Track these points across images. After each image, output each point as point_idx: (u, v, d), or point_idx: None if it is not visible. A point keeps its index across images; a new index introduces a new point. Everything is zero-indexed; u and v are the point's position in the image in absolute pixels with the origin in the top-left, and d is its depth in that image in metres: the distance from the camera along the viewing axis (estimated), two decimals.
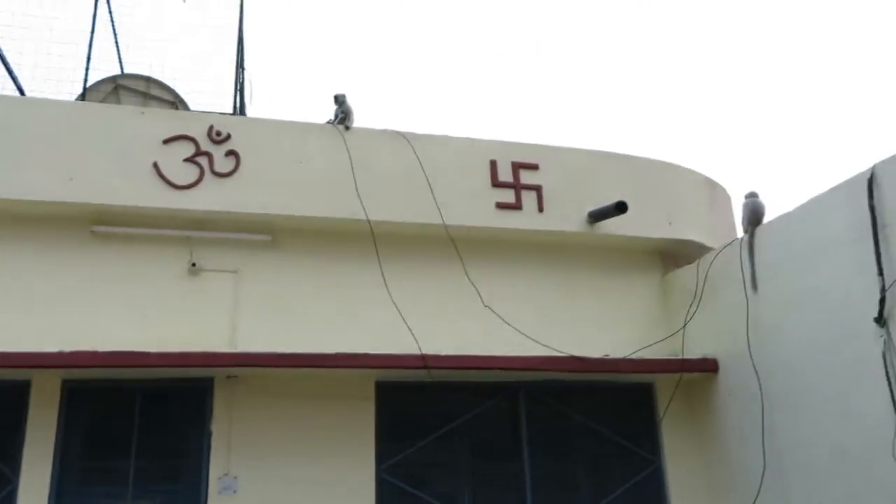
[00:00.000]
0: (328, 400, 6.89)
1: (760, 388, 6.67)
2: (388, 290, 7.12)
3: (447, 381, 7.07)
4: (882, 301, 5.54)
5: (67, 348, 6.08)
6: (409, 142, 7.54)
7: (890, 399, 5.44)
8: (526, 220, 7.68)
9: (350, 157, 7.28)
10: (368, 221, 7.13)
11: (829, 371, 6.05)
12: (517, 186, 7.75)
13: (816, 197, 6.34)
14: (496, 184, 7.70)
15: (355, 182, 7.19)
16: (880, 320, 5.56)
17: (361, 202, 7.13)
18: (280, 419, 6.76)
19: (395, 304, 7.06)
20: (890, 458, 5.39)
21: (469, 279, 7.36)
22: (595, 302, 7.94)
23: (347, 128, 7.52)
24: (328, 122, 7.60)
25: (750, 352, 6.79)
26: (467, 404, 7.33)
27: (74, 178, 6.68)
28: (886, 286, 5.53)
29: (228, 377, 6.70)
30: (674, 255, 8.38)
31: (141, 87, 9.11)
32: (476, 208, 7.56)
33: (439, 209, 7.33)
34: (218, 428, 6.63)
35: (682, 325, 7.67)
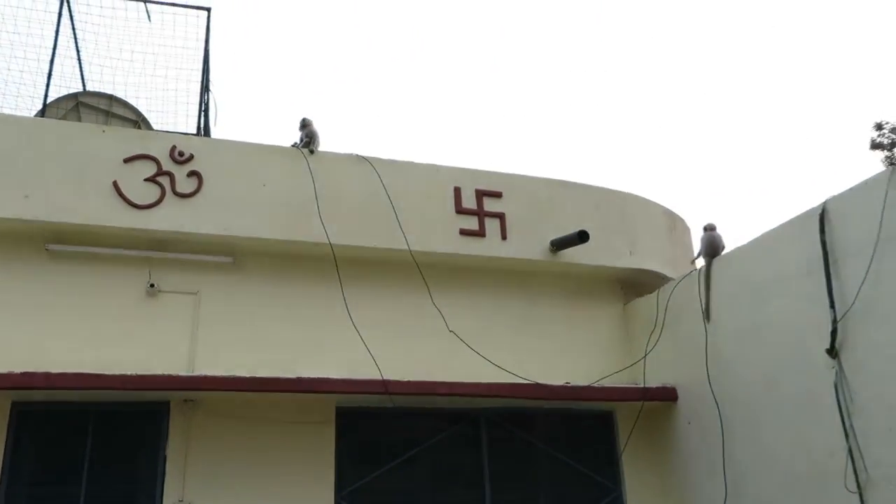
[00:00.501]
0: (288, 425, 6.78)
1: (720, 417, 6.77)
2: (349, 314, 7.08)
3: (409, 406, 7.02)
4: (833, 332, 5.70)
5: (18, 369, 5.90)
6: (373, 167, 7.56)
7: (842, 429, 5.57)
8: (489, 247, 7.73)
9: (314, 181, 7.26)
10: (330, 245, 7.10)
11: (783, 401, 6.18)
12: (481, 214, 7.81)
13: (770, 231, 6.53)
14: (460, 210, 7.76)
15: (318, 206, 7.17)
16: (832, 351, 5.71)
17: (324, 226, 7.10)
18: (238, 444, 6.64)
19: (356, 328, 7.02)
20: (842, 487, 5.50)
21: (434, 304, 7.37)
22: (557, 329, 8.01)
23: (312, 151, 7.51)
24: (293, 146, 7.58)
25: (709, 381, 6.90)
26: (429, 430, 7.29)
27: (30, 196, 6.53)
28: (838, 318, 5.68)
29: (186, 401, 6.57)
30: (634, 285, 8.51)
31: (103, 104, 8.99)
32: (440, 234, 7.59)
33: (404, 235, 7.35)
34: (173, 453, 6.48)
35: (643, 353, 7.77)
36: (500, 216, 7.86)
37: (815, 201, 6.14)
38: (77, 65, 9.46)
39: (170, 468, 6.44)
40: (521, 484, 7.48)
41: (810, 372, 5.91)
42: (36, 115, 8.27)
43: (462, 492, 7.30)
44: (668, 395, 7.45)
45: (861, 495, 5.39)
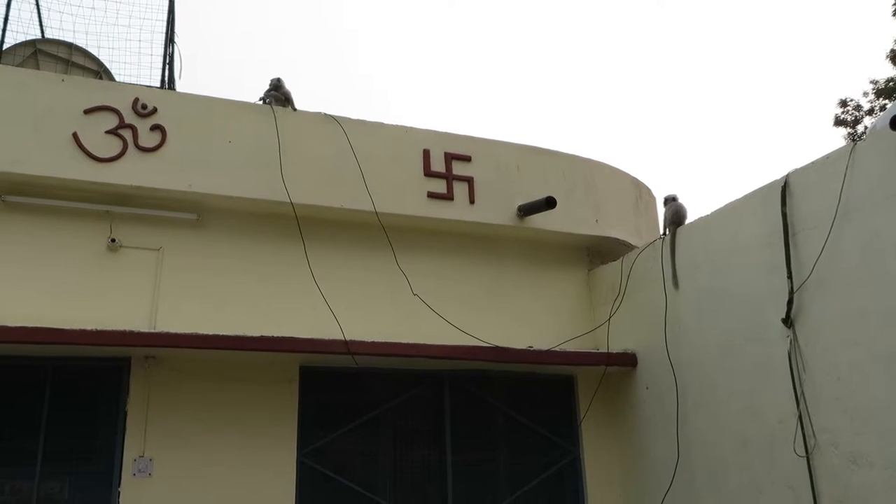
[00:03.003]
0: (250, 384, 6.78)
1: (676, 383, 6.94)
2: (312, 274, 7.04)
3: (372, 368, 7.06)
4: (790, 303, 5.84)
5: None
6: (341, 126, 7.47)
7: (793, 396, 5.75)
8: (457, 211, 7.73)
9: (279, 139, 7.15)
10: (292, 205, 7.01)
11: (737, 368, 6.34)
12: (449, 177, 7.79)
13: (733, 202, 6.63)
14: (428, 173, 7.72)
15: (281, 164, 7.06)
16: (787, 321, 5.86)
17: (285, 185, 6.99)
18: (200, 401, 6.61)
19: (319, 288, 6.99)
20: (791, 451, 5.70)
21: (399, 267, 7.36)
22: (521, 294, 8.08)
23: (295, 109, 7.43)
24: (263, 101, 7.45)
25: (667, 348, 7.04)
26: (392, 392, 7.35)
27: None
28: (794, 289, 5.83)
29: (147, 357, 6.50)
30: (599, 252, 8.61)
31: (62, 53, 8.70)
32: (407, 197, 7.56)
33: (370, 196, 7.30)
34: (134, 409, 6.43)
35: (605, 319, 7.89)
36: (469, 180, 7.85)
37: (778, 174, 6.25)
38: (35, 10, 9.12)
39: (130, 424, 6.39)
40: (481, 446, 7.61)
41: (766, 340, 6.07)
42: None
43: (423, 452, 7.39)
44: (627, 361, 7.60)
45: (808, 459, 5.60)
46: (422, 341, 6.93)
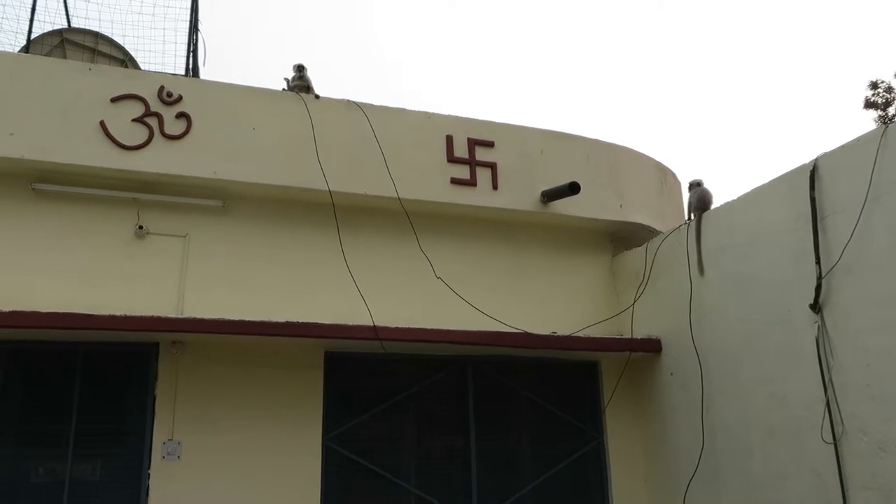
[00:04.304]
0: (276, 369, 6.85)
1: (700, 370, 6.89)
2: (345, 259, 7.08)
3: (396, 353, 7.10)
4: (818, 288, 5.76)
5: (6, 308, 5.89)
6: (364, 113, 7.47)
7: (821, 382, 5.69)
8: (480, 196, 7.71)
9: (312, 125, 7.19)
10: (329, 192, 7.06)
11: (764, 354, 6.28)
12: (472, 163, 7.77)
13: (760, 186, 6.54)
14: (451, 159, 7.71)
15: (317, 150, 7.11)
16: (815, 307, 5.79)
17: (323, 171, 7.05)
18: (226, 387, 6.70)
19: (351, 274, 7.02)
20: (818, 438, 5.65)
21: (423, 252, 7.38)
22: (545, 280, 8.07)
23: (317, 96, 7.43)
24: (289, 89, 7.48)
25: (692, 333, 7.00)
26: (415, 377, 7.39)
27: (15, 133, 6.42)
28: (823, 274, 5.75)
29: (174, 342, 6.60)
30: (623, 238, 8.55)
31: (89, 42, 8.78)
32: (430, 183, 7.56)
33: (393, 182, 7.31)
34: (162, 393, 6.54)
35: (629, 305, 7.85)
36: (492, 166, 7.83)
37: (804, 159, 6.15)
38: (62, 0, 9.21)
39: (159, 408, 6.50)
40: (505, 431, 7.63)
41: (792, 326, 6.00)
42: (20, 52, 8.07)
43: (447, 438, 7.44)
44: (652, 347, 7.56)
45: (836, 446, 5.54)
46: (445, 325, 6.94)
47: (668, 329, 7.45)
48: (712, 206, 7.19)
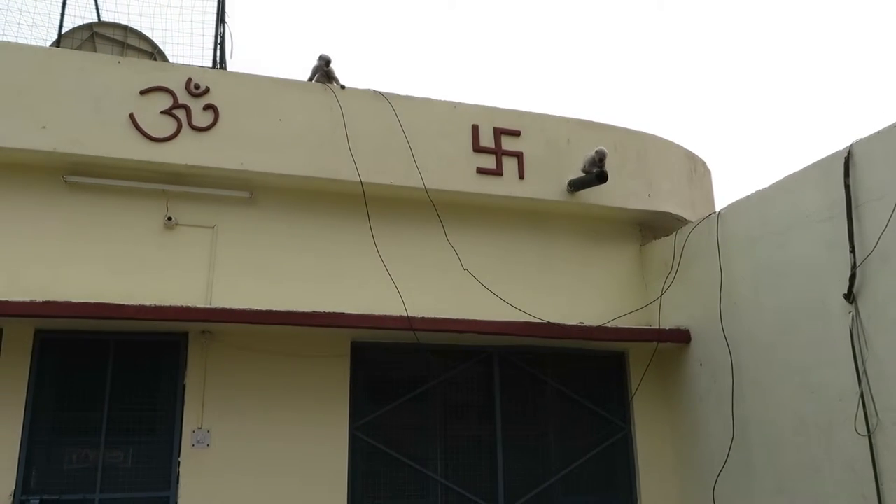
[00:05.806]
0: (303, 358, 6.90)
1: (731, 360, 6.79)
2: (377, 249, 7.08)
3: (423, 343, 7.10)
4: (852, 277, 5.64)
5: (39, 298, 6.00)
6: (390, 103, 7.46)
7: (854, 373, 5.57)
8: (506, 186, 7.67)
9: (343, 116, 7.21)
10: (361, 182, 7.08)
11: (796, 345, 6.17)
12: (498, 152, 7.73)
13: (792, 174, 6.41)
14: (477, 149, 7.67)
15: (348, 140, 7.12)
16: (849, 296, 5.67)
17: (355, 161, 7.07)
18: (255, 375, 6.77)
19: (384, 263, 7.02)
20: (851, 430, 5.54)
21: (449, 242, 7.36)
22: (572, 270, 8.01)
23: (343, 87, 7.43)
24: (315, 80, 7.50)
25: (722, 324, 6.90)
26: (441, 367, 7.39)
27: (47, 127, 6.53)
28: (858, 263, 5.62)
29: (203, 332, 6.68)
30: (652, 227, 8.45)
31: (118, 35, 8.90)
32: (457, 173, 7.53)
33: (420, 172, 7.30)
34: (192, 382, 6.63)
35: (658, 295, 7.77)
36: (518, 155, 7.78)
37: (841, 145, 6.00)
38: None
39: (188, 397, 6.59)
40: (531, 421, 7.61)
41: (826, 316, 5.89)
42: (51, 46, 8.19)
43: (474, 427, 7.43)
44: (681, 338, 7.47)
45: (870, 438, 5.43)
46: (471, 315, 6.93)
47: (698, 319, 7.35)
48: (741, 194, 7.03)
